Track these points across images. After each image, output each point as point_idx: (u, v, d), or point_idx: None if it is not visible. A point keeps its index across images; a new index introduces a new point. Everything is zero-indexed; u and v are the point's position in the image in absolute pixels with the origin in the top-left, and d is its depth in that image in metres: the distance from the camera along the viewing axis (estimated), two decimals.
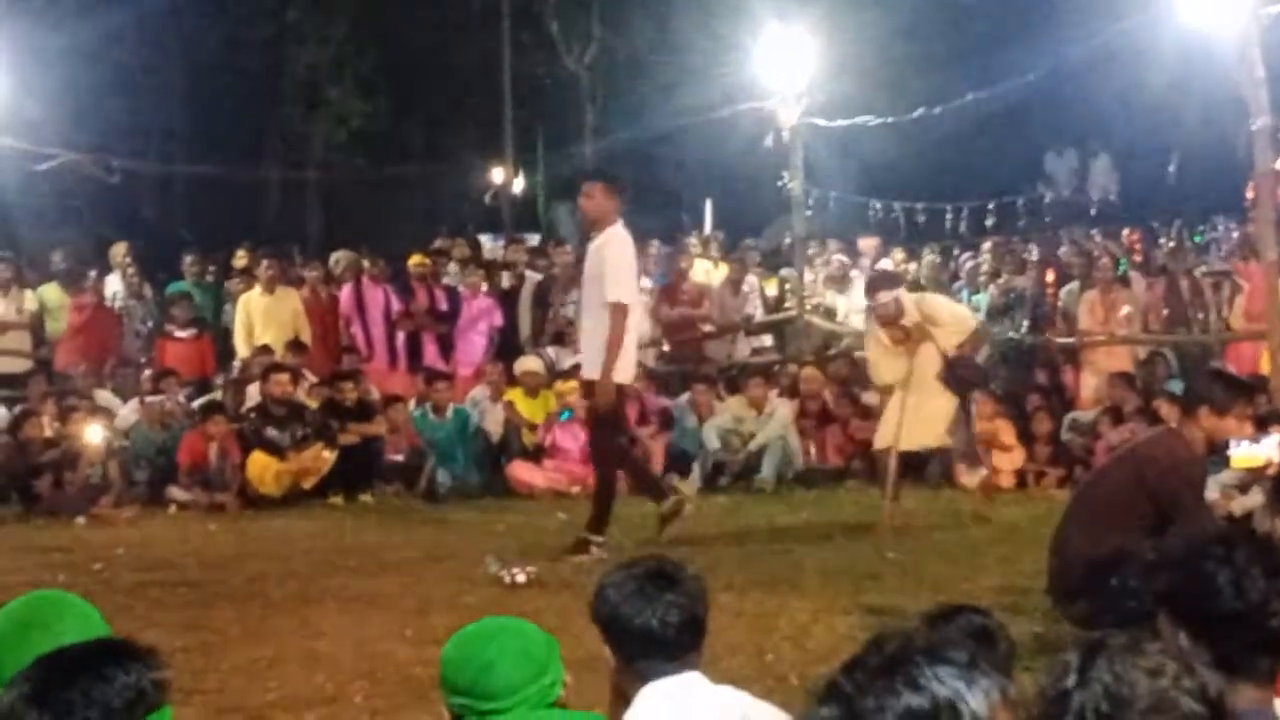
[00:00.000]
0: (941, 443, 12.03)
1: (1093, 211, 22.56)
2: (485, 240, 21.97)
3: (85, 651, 2.80)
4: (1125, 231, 18.32)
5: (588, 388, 10.46)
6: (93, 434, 12.87)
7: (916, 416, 11.14)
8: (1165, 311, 15.09)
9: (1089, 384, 14.51)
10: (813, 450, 14.14)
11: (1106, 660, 2.32)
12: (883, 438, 11.43)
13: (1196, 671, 2.33)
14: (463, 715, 3.39)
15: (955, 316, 11.50)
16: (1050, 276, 16.58)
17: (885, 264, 17.84)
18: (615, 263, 10.04)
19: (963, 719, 2.24)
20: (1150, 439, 7.93)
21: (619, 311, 9.98)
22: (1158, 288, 15.40)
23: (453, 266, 16.98)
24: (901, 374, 11.15)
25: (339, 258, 16.52)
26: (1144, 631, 2.67)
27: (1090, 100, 23.02)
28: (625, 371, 10.20)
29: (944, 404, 11.27)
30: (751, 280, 17.02)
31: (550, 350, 15.41)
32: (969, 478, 12.76)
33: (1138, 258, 17.13)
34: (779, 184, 17.08)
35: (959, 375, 11.17)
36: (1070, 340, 15.10)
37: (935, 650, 2.28)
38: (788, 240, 17.75)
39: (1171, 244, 17.33)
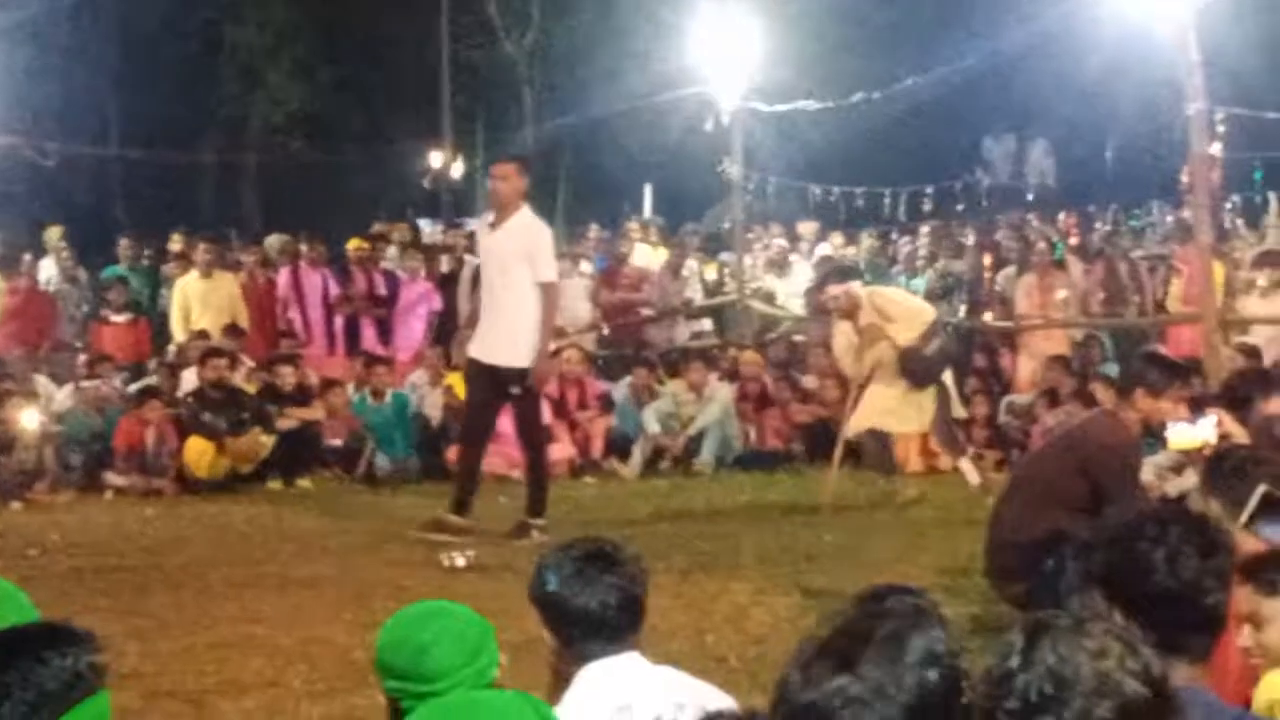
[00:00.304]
0: (886, 427, 12.00)
1: (1030, 196, 22.68)
2: (424, 224, 21.89)
3: (22, 635, 2.79)
4: (1062, 215, 18.45)
5: (497, 374, 9.95)
6: (27, 419, 12.71)
7: (868, 403, 11.23)
8: (1102, 295, 15.18)
9: (1026, 367, 14.57)
10: (752, 433, 14.14)
11: (1050, 641, 2.34)
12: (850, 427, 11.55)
13: (1140, 652, 2.34)
14: (399, 698, 3.38)
15: (909, 311, 11.44)
16: (988, 260, 16.67)
17: (824, 248, 17.89)
18: (543, 244, 10.03)
19: (963, 694, 2.29)
20: (1086, 421, 8.00)
21: (553, 291, 10.03)
22: (1094, 271, 15.49)
23: (392, 250, 16.89)
24: (867, 367, 11.24)
25: (272, 241, 16.41)
26: (1088, 611, 2.69)
27: (1028, 85, 23.15)
28: (529, 354, 9.92)
29: (894, 391, 11.26)
30: (691, 264, 17.03)
31: None
32: (966, 470, 11.99)
33: (1074, 241, 17.24)
34: (718, 169, 17.09)
35: (909, 369, 11.17)
36: (1007, 324, 15.17)
37: (930, 626, 2.34)
38: (727, 224, 17.76)
39: (1108, 228, 17.45)
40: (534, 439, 10.41)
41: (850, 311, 11.23)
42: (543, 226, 10.19)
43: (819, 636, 2.45)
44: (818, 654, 2.40)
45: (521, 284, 9.85)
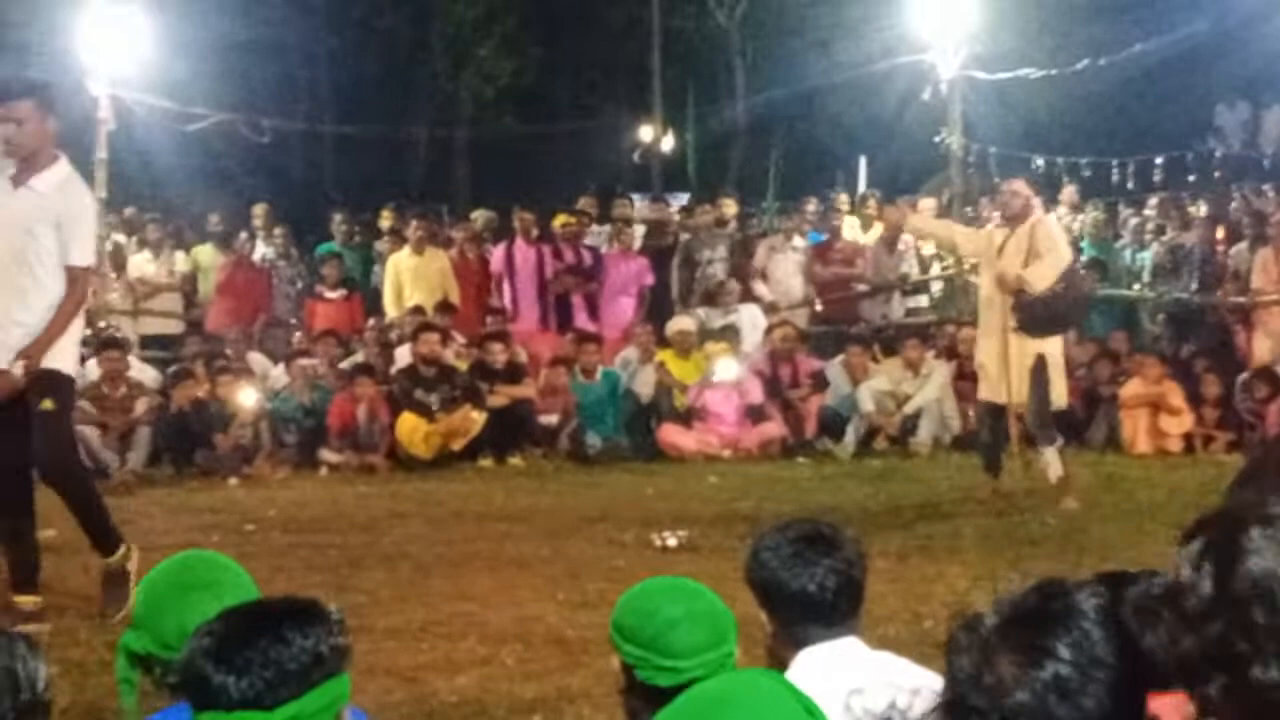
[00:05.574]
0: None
1: (1266, 165, 21.77)
2: (636, 199, 21.84)
3: (266, 611, 2.76)
4: None
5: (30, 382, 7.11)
6: (245, 396, 12.94)
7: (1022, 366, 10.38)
8: None
9: (1262, 345, 13.98)
10: (971, 414, 13.74)
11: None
12: (998, 392, 10.65)
13: None
14: (636, 666, 3.30)
15: (1056, 254, 10.34)
16: (1220, 234, 16.00)
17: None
18: (84, 212, 7.41)
19: None
20: None
21: (85, 281, 7.52)
22: None
23: (601, 227, 16.82)
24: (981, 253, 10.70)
25: (476, 216, 16.52)
26: None
27: (1262, 49, 22.19)
28: (71, 358, 7.52)
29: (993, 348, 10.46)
30: (907, 238, 16.63)
31: (701, 311, 15.19)
32: (1051, 461, 10.69)
33: None
34: (936, 139, 16.70)
35: (1032, 316, 10.20)
36: (1242, 300, 14.54)
37: None
38: (946, 197, 17.34)
39: None
40: (68, 465, 7.49)
41: (1019, 216, 10.44)
42: (84, 189, 7.55)
43: None
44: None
45: (53, 260, 7.19)
